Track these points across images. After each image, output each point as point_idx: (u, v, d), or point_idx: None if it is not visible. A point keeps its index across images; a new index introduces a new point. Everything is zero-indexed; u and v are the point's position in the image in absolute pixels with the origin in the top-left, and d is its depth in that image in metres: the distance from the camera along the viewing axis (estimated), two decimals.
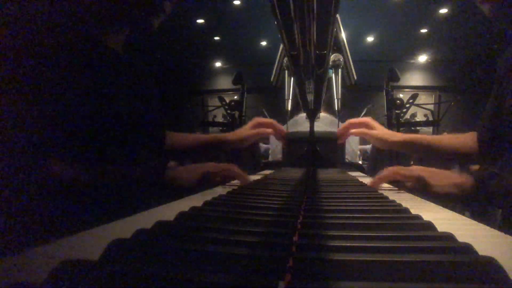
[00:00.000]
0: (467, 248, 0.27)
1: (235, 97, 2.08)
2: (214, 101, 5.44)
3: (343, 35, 1.89)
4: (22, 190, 0.60)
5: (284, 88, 1.67)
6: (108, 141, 0.74)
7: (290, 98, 1.64)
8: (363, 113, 2.98)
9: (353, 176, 1.17)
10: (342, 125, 1.20)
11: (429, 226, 0.36)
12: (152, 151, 0.89)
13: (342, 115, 1.64)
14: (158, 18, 0.81)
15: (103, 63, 0.77)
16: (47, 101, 0.63)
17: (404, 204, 0.51)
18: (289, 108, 1.65)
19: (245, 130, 1.19)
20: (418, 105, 2.36)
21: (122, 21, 0.81)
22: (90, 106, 0.70)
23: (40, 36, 0.65)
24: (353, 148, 2.00)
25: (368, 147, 3.76)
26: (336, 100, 1.56)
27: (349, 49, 1.91)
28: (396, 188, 0.84)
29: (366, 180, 0.92)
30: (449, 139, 1.13)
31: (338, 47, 1.77)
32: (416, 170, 0.78)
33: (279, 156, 1.93)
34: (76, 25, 0.74)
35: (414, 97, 2.07)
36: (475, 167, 1.75)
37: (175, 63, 7.24)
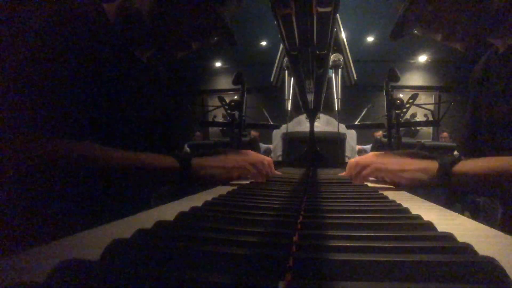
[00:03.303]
0: (467, 248, 0.27)
1: (235, 97, 2.08)
2: (214, 101, 5.44)
3: (343, 35, 1.89)
4: (24, 188, 0.60)
5: (284, 88, 1.67)
6: (125, 137, 0.80)
7: (290, 98, 1.64)
8: (363, 113, 2.98)
9: None
10: (350, 169, 0.90)
11: (429, 226, 0.36)
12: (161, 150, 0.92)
13: (342, 115, 1.64)
14: (183, 52, 0.88)
15: (129, 67, 0.86)
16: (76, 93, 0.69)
17: (404, 204, 0.51)
18: (289, 108, 1.66)
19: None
20: (418, 105, 2.36)
21: (151, 46, 0.90)
22: (114, 102, 0.78)
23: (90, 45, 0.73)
24: (352, 145, 2.00)
25: (367, 147, 3.76)
26: (336, 100, 1.57)
27: (349, 49, 1.91)
28: (395, 188, 0.84)
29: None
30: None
31: (338, 47, 1.77)
32: (377, 157, 0.85)
33: (279, 155, 1.93)
34: (114, 38, 0.82)
35: (414, 97, 2.06)
36: None
37: (175, 63, 7.24)
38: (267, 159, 0.93)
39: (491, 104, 0.87)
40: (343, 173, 0.96)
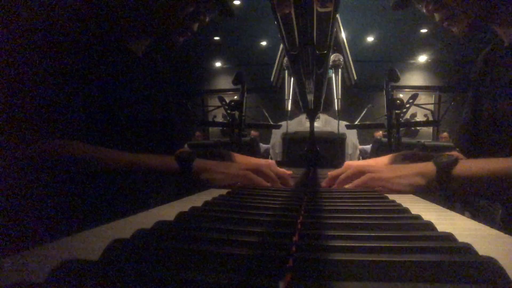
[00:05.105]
0: (467, 248, 0.27)
1: (235, 97, 2.08)
2: (214, 101, 5.44)
3: (343, 35, 1.89)
4: (24, 189, 0.60)
5: (284, 88, 1.67)
6: (120, 136, 0.78)
7: (290, 98, 1.64)
8: (363, 113, 2.98)
9: None
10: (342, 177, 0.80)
11: (429, 226, 0.36)
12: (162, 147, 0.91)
13: (342, 115, 1.65)
14: (184, 36, 0.82)
15: (119, 63, 0.79)
16: (59, 90, 0.66)
17: (404, 204, 0.51)
18: (289, 108, 1.66)
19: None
20: (418, 105, 2.36)
21: (148, 33, 0.83)
22: (104, 99, 0.74)
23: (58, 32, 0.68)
24: (353, 141, 2.01)
25: (368, 147, 3.76)
26: (336, 100, 1.57)
27: (349, 49, 1.91)
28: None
29: None
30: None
31: (338, 47, 1.78)
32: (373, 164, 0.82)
33: (278, 153, 1.93)
34: (100, 28, 0.76)
35: (414, 97, 2.07)
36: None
37: (175, 63, 7.25)
38: (269, 162, 0.88)
39: (494, 98, 0.83)
40: (334, 172, 0.84)
